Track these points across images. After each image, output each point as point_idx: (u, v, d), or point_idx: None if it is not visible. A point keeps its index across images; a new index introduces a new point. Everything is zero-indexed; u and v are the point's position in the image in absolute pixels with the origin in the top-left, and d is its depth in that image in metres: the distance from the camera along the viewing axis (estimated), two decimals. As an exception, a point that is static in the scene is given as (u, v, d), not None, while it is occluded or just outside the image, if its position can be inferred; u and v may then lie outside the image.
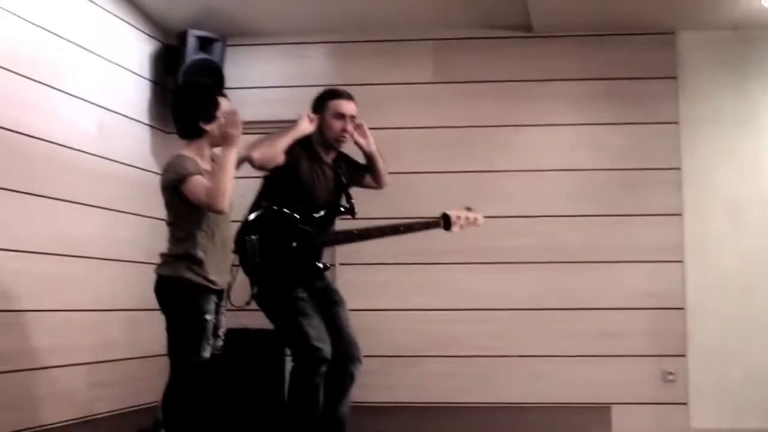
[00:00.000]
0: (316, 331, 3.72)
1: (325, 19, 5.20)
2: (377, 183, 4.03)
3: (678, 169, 5.15)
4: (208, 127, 3.51)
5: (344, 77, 5.16)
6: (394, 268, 5.19)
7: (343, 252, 5.13)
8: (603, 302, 5.11)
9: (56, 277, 4.28)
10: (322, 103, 3.95)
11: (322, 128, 3.92)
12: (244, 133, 3.52)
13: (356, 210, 3.86)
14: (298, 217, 3.79)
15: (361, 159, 4.08)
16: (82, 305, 4.50)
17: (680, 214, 5.13)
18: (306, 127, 3.81)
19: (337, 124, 3.90)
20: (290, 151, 3.73)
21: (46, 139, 4.27)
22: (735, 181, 5.10)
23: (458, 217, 3.98)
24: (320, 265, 3.80)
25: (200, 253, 3.45)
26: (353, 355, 3.78)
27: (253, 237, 3.73)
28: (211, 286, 3.46)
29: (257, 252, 3.72)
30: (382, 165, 4.00)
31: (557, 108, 5.25)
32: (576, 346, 5.10)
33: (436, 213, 4.93)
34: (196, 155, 3.52)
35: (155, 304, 3.55)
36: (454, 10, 5.08)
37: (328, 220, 3.88)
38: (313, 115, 3.84)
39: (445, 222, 3.97)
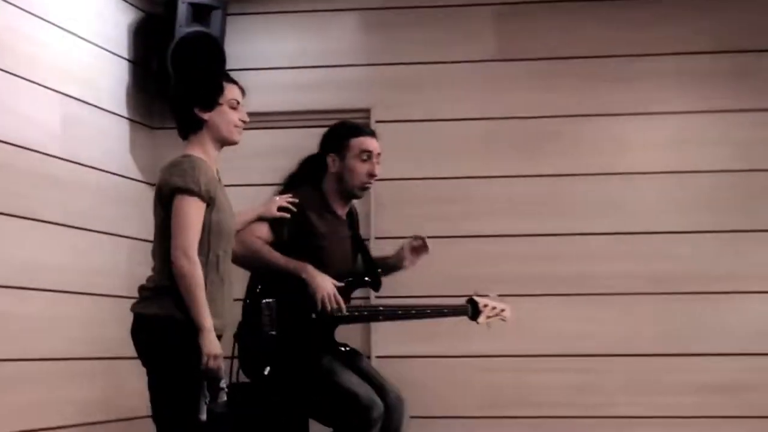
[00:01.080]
0: (363, 388, 3.89)
1: (355, -20, 5.33)
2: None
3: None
4: (206, 116, 3.50)
5: (379, 55, 5.20)
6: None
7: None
8: (721, 345, 5.03)
9: (8, 317, 4.23)
10: (340, 141, 4.05)
11: (341, 174, 4.03)
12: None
13: (381, 283, 4.08)
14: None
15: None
16: (43, 353, 4.44)
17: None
18: (274, 213, 3.94)
19: (363, 167, 4.01)
20: (300, 205, 3.87)
21: None
22: None
23: (485, 306, 4.23)
24: (342, 349, 4.02)
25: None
26: (397, 396, 3.99)
27: (271, 300, 3.86)
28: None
29: (275, 321, 3.85)
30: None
31: (660, 91, 5.17)
32: (686, 403, 5.02)
33: (499, 229, 4.69)
34: (203, 156, 3.51)
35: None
36: (521, -35, 5.21)
37: (348, 290, 4.02)
38: (289, 199, 3.93)
39: (473, 309, 4.22)
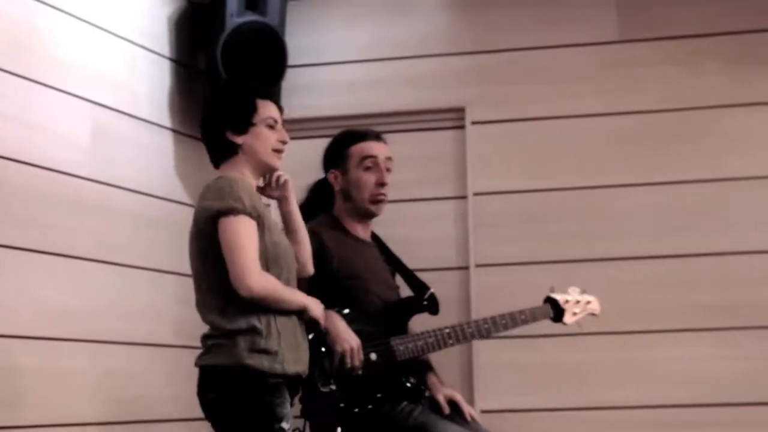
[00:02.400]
0: None
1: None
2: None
3: None
4: (239, 140, 3.59)
5: (475, 41, 5.23)
6: (557, 343, 5.04)
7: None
8: None
9: (39, 375, 4.23)
10: (339, 152, 4.14)
11: (347, 191, 4.11)
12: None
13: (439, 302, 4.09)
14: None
15: None
16: (78, 416, 4.43)
17: None
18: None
19: (369, 177, 4.08)
20: (316, 240, 3.88)
21: (8, 156, 4.21)
22: None
23: (566, 302, 4.26)
24: (409, 385, 4.02)
25: (266, 324, 3.48)
26: None
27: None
28: (288, 369, 3.49)
29: (329, 373, 3.87)
30: None
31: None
32: None
33: (630, 250, 4.70)
34: None
35: (189, 411, 3.57)
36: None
37: (401, 319, 4.09)
38: None
39: (555, 309, 4.25)
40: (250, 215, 3.44)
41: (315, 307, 3.60)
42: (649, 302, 4.98)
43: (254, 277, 3.40)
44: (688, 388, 4.98)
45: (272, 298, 3.43)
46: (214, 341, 3.48)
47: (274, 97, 3.69)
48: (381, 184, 4.07)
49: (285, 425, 3.44)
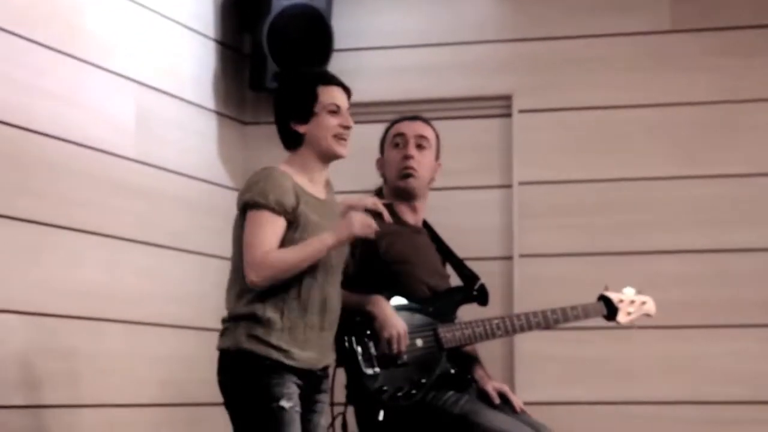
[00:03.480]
0: (517, 427, 3.88)
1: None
2: None
3: None
4: (302, 129, 3.61)
5: (524, 29, 5.21)
6: (601, 336, 5.02)
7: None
8: None
9: (79, 356, 4.28)
10: (381, 139, 4.18)
11: (383, 173, 4.16)
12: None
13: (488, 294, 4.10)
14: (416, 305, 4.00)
15: None
16: (120, 398, 4.51)
17: None
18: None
19: (396, 154, 4.09)
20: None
21: (55, 135, 4.24)
22: None
23: (621, 301, 4.22)
24: (455, 373, 3.99)
25: (270, 313, 3.50)
26: None
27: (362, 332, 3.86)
28: (287, 362, 3.50)
29: (373, 356, 3.87)
30: None
31: None
32: None
33: (677, 243, 4.61)
34: (300, 173, 3.62)
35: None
36: None
37: (449, 308, 4.08)
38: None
39: (609, 308, 4.22)
40: (274, 210, 3.47)
41: (335, 235, 3.55)
42: (693, 297, 4.96)
43: (254, 271, 3.45)
44: (731, 385, 4.95)
45: (282, 273, 3.47)
46: (224, 325, 3.57)
47: (339, 82, 3.68)
48: (405, 157, 4.05)
49: (285, 403, 3.47)
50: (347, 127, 3.59)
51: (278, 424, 3.47)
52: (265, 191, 3.49)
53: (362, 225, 3.57)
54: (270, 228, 3.48)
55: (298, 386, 3.53)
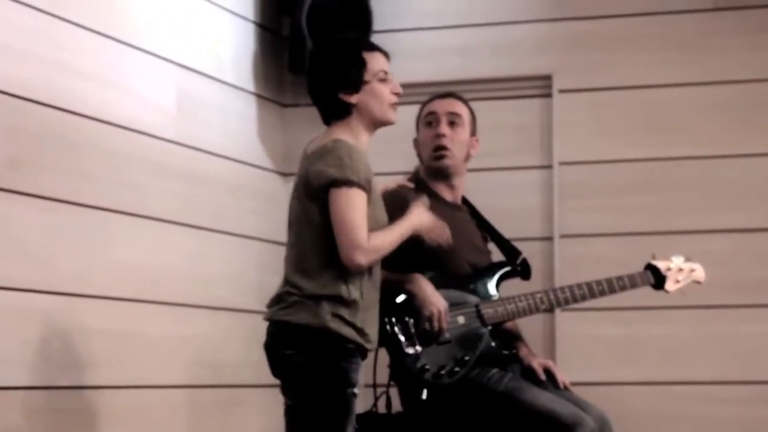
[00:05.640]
0: (561, 404, 3.84)
1: None
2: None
3: None
4: (353, 99, 3.54)
5: (564, 8, 5.20)
6: (642, 316, 5.03)
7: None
8: None
9: (122, 337, 4.33)
10: (416, 119, 4.17)
11: (418, 152, 4.15)
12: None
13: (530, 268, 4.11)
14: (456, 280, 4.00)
15: None
16: (162, 379, 4.54)
17: None
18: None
19: (427, 133, 4.07)
20: (402, 200, 3.83)
21: (96, 117, 4.26)
22: None
23: (668, 270, 4.18)
24: (497, 348, 3.99)
25: (354, 294, 3.48)
26: (602, 417, 3.93)
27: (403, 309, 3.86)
28: (366, 345, 3.51)
29: (413, 335, 3.86)
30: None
31: None
32: None
33: (720, 222, 4.60)
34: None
35: (268, 377, 3.54)
36: None
37: (491, 283, 4.08)
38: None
39: (656, 277, 4.17)
40: (363, 188, 3.43)
41: (420, 221, 3.62)
42: (737, 276, 4.92)
43: (363, 254, 3.41)
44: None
45: (382, 255, 3.50)
46: (297, 299, 3.47)
47: (381, 48, 3.63)
48: (437, 135, 4.02)
49: (356, 390, 3.46)
50: (398, 94, 3.55)
51: (347, 410, 3.46)
52: (356, 168, 3.43)
53: (438, 233, 3.65)
54: (363, 207, 3.44)
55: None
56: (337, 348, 3.44)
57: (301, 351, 3.44)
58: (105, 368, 4.20)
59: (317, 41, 4.98)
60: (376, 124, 3.55)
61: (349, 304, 3.45)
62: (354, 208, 3.42)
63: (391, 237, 3.51)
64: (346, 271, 3.44)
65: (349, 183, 3.41)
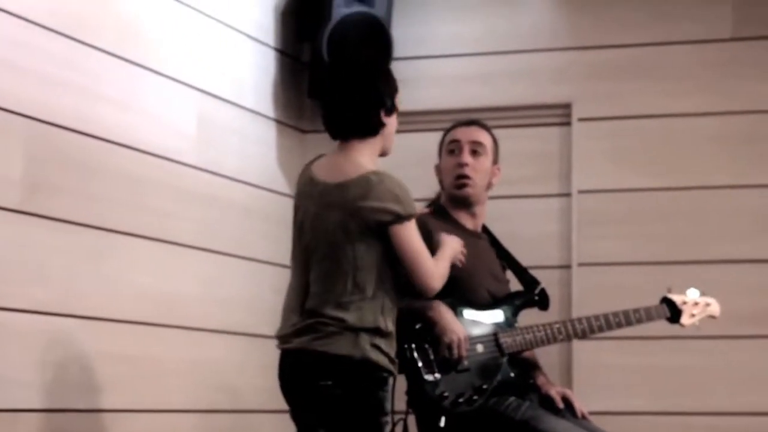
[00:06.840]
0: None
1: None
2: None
3: None
4: (387, 121, 3.58)
5: (584, 37, 5.21)
6: (660, 346, 5.01)
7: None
8: None
9: (141, 361, 4.33)
10: (439, 146, 4.18)
11: (441, 179, 4.16)
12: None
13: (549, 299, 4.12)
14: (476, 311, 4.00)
15: None
16: (179, 403, 4.53)
17: None
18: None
19: (450, 161, 4.07)
20: (423, 228, 3.77)
21: (117, 141, 4.28)
22: None
23: (684, 303, 4.20)
24: (515, 377, 3.99)
25: (390, 325, 3.54)
26: None
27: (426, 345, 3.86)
28: (396, 373, 3.57)
29: (432, 362, 3.85)
30: None
31: None
32: None
33: (741, 253, 4.57)
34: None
35: (281, 403, 3.55)
36: None
37: (510, 313, 4.08)
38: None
39: (672, 310, 4.19)
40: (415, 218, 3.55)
41: (450, 250, 3.69)
42: (754, 306, 4.92)
43: (437, 281, 3.53)
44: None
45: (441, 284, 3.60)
46: (334, 329, 3.46)
47: None
48: (459, 164, 4.03)
49: (387, 419, 3.51)
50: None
51: None
52: (410, 200, 3.50)
53: (458, 257, 3.71)
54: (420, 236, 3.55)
55: None
56: (375, 377, 3.48)
57: (341, 382, 3.45)
58: (122, 392, 4.20)
59: (352, 59, 4.99)
60: (384, 150, 3.59)
61: (386, 335, 3.50)
62: (419, 239, 3.51)
63: (444, 263, 3.61)
64: (382, 304, 3.49)
65: (411, 217, 3.48)
